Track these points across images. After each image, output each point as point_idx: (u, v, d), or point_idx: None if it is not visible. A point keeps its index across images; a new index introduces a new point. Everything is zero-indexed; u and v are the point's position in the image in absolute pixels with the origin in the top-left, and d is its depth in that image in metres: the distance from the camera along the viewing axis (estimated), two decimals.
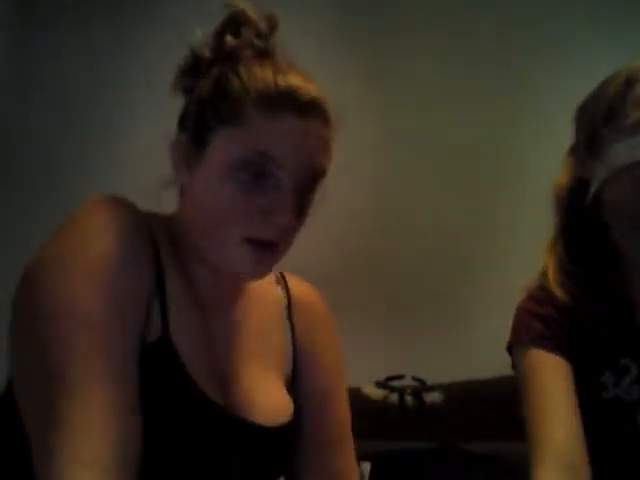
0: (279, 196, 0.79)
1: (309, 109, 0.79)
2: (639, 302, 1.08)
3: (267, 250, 0.80)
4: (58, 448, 0.63)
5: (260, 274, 0.84)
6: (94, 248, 0.73)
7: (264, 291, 0.95)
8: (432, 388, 1.65)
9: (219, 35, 0.84)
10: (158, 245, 0.81)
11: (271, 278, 0.98)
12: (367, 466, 0.96)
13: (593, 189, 1.05)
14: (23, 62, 2.21)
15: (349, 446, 0.98)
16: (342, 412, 0.98)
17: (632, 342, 1.06)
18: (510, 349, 1.16)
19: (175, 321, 0.79)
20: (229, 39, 0.82)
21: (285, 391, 0.91)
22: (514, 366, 1.17)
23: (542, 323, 1.10)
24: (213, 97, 0.81)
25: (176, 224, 0.86)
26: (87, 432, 0.64)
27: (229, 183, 0.78)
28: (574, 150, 1.12)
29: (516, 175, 1.95)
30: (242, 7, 0.83)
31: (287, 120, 0.78)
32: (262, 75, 0.79)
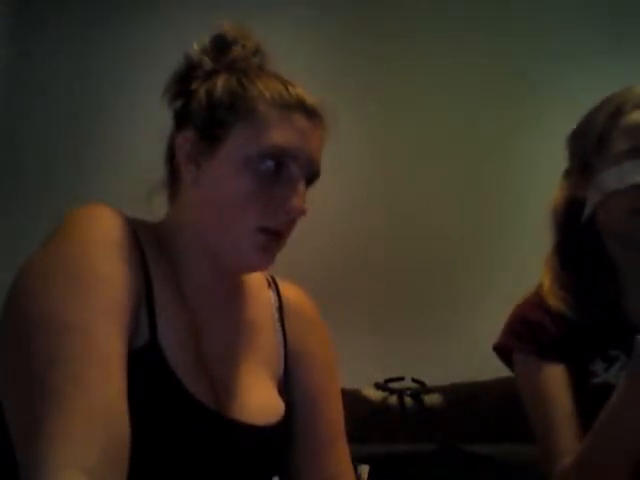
0: (292, 184, 0.85)
1: (314, 113, 0.88)
2: (631, 307, 1.16)
3: (274, 240, 0.85)
4: (41, 456, 0.62)
5: (264, 265, 0.88)
6: (81, 256, 0.74)
7: (256, 294, 0.97)
8: (432, 390, 1.65)
9: (219, 48, 0.90)
10: (145, 251, 0.83)
11: (263, 281, 1.00)
12: (366, 468, 0.95)
13: (587, 211, 1.15)
14: (23, 62, 2.21)
15: (343, 447, 0.98)
16: (335, 413, 0.98)
17: (622, 336, 1.11)
18: (497, 349, 1.21)
19: (163, 325, 0.80)
20: (236, 50, 0.89)
21: (276, 392, 0.92)
22: (509, 367, 1.21)
23: (530, 329, 1.16)
24: (227, 98, 0.86)
25: (166, 228, 0.89)
26: (69, 437, 0.63)
27: (248, 175, 0.83)
28: (569, 173, 1.22)
29: (518, 177, 1.95)
30: (229, 26, 0.91)
31: (298, 118, 0.86)
32: (272, 82, 0.87)
